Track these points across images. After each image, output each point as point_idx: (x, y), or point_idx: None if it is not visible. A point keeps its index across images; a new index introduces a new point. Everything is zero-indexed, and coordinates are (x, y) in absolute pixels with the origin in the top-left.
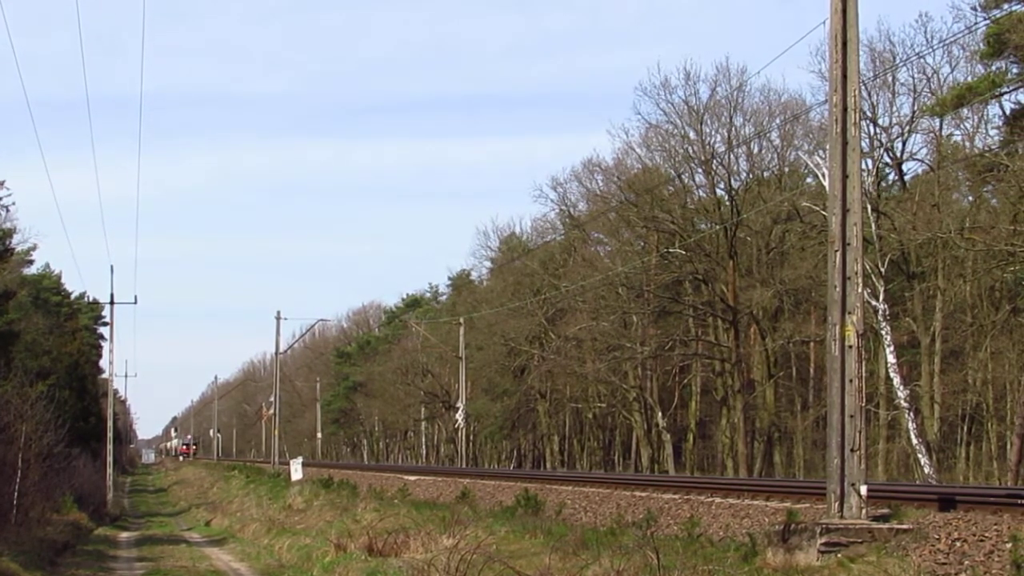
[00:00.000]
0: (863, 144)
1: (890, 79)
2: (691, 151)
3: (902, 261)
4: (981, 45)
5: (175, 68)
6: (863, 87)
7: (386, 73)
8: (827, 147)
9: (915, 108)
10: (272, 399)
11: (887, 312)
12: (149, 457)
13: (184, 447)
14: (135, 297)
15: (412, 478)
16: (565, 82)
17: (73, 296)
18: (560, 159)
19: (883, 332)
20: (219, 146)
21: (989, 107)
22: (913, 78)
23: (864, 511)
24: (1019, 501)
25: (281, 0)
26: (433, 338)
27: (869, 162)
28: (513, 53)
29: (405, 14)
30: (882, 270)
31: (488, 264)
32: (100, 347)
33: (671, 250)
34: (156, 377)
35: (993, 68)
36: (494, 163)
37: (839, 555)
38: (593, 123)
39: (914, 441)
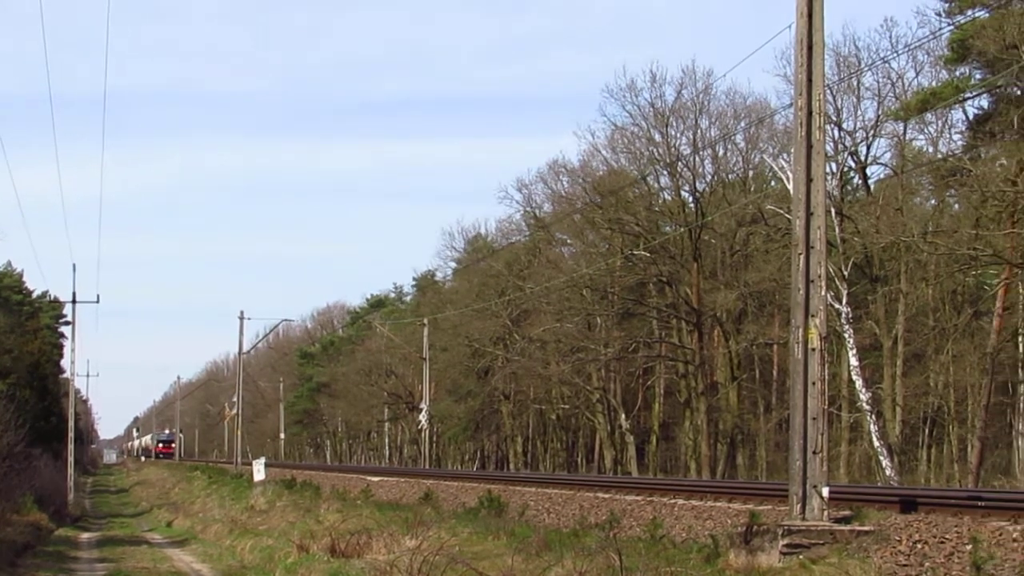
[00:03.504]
0: (827, 148)
1: (855, 83)
2: (656, 153)
3: (865, 264)
4: (946, 50)
5: (142, 66)
6: (828, 91)
7: (352, 74)
8: (792, 150)
9: (879, 112)
10: (235, 399)
11: (850, 315)
12: (111, 457)
13: (161, 445)
14: (97, 296)
15: (375, 479)
16: (533, 84)
17: (35, 295)
18: (527, 161)
19: (846, 335)
20: (185, 145)
21: (953, 112)
22: (878, 82)
23: (826, 513)
24: (980, 503)
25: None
26: (397, 339)
27: (833, 166)
28: (482, 55)
29: (375, 15)
30: (845, 273)
31: (453, 265)
32: (62, 346)
33: (635, 252)
34: (118, 377)
35: (957, 73)
36: (460, 164)
37: (801, 556)
38: (560, 125)
39: (876, 443)
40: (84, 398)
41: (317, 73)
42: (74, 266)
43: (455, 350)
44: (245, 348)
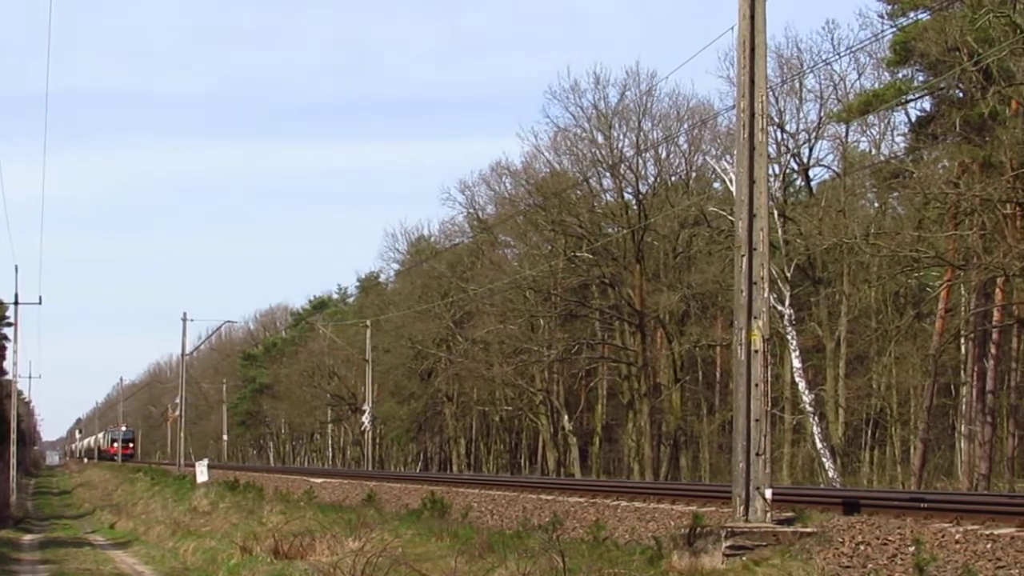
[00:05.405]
0: (770, 150)
1: (797, 85)
2: (599, 155)
3: (808, 266)
4: (888, 52)
5: (86, 67)
6: (770, 93)
7: (295, 76)
8: (734, 152)
9: (822, 114)
10: (178, 401)
11: (793, 317)
12: (54, 459)
13: (113, 446)
14: (40, 298)
15: (318, 481)
16: (476, 86)
17: None
18: (470, 162)
19: (789, 337)
20: (129, 147)
21: (895, 114)
22: (820, 84)
23: (769, 515)
24: (922, 505)
25: (195, 0)
26: (340, 340)
27: (776, 167)
28: (424, 57)
29: (318, 16)
30: (788, 275)
31: (396, 266)
32: (4, 348)
33: (578, 254)
34: (60, 378)
35: (899, 75)
36: (403, 166)
37: (744, 558)
38: (503, 127)
39: (819, 445)
40: (27, 400)
41: (260, 74)
42: (16, 267)
43: (398, 352)
44: (188, 350)
